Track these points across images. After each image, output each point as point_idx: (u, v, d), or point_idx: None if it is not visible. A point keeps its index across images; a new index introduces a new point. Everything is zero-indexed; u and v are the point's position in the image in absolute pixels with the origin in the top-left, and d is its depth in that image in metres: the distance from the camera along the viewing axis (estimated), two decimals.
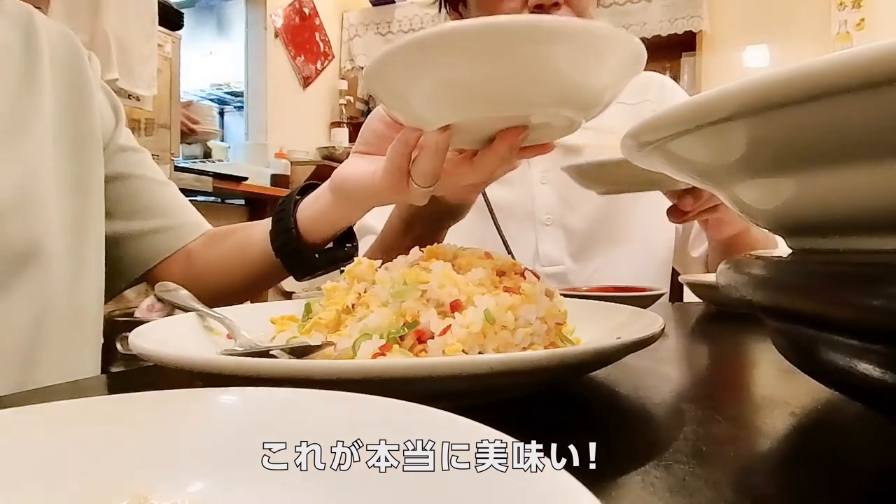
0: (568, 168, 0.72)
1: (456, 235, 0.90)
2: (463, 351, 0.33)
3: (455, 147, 0.47)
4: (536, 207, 0.96)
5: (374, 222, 0.94)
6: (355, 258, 0.43)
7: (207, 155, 2.95)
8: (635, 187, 0.71)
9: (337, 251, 0.63)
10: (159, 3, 2.21)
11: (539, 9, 0.82)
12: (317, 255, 0.61)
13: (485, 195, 0.93)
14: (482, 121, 0.42)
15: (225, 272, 0.69)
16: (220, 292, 0.66)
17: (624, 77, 0.42)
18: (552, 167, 0.95)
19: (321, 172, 3.20)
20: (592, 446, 0.20)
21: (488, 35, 0.36)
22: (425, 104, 0.41)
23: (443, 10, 1.00)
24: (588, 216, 0.96)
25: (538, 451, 0.15)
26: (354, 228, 0.94)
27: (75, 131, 0.64)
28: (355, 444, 0.18)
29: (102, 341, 0.68)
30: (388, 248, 0.73)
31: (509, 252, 0.88)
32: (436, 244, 0.42)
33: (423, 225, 0.68)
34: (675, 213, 0.74)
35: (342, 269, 0.60)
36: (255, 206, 3.09)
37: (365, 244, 0.95)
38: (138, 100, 2.18)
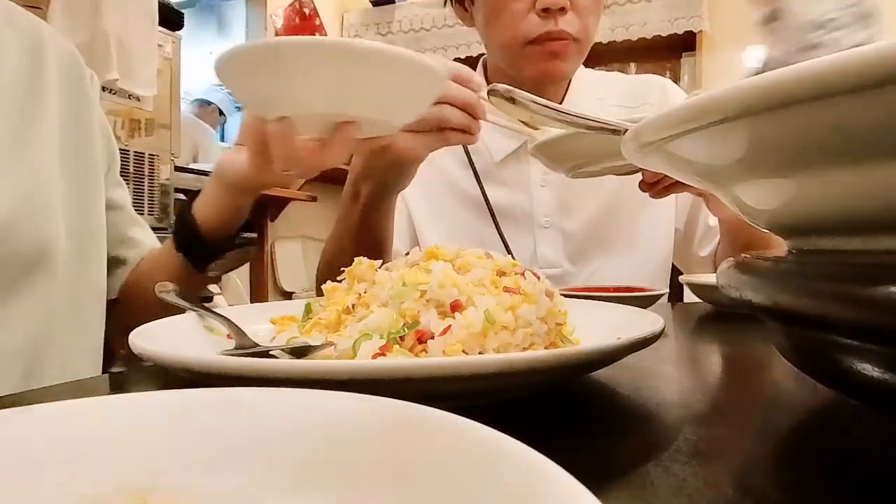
0: (534, 149, 0.72)
1: (456, 236, 0.91)
2: (463, 351, 0.33)
3: (307, 135, 0.53)
4: (535, 210, 0.96)
5: None
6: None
7: None
8: (597, 159, 0.70)
9: (235, 238, 0.67)
10: (159, 3, 2.21)
11: (545, 12, 0.83)
12: (214, 243, 0.65)
13: (485, 196, 0.93)
14: (317, 115, 0.50)
15: (144, 288, 0.71)
16: (146, 309, 0.69)
17: (430, 96, 0.52)
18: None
19: (321, 172, 3.19)
20: (592, 446, 0.20)
21: (322, 53, 0.45)
22: (262, 99, 0.49)
23: (447, 5, 1.01)
24: (586, 219, 0.96)
25: (538, 450, 0.15)
26: None
27: (78, 147, 0.67)
28: (355, 444, 0.18)
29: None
30: (344, 216, 0.80)
31: (509, 253, 0.88)
32: (435, 245, 0.42)
33: (370, 191, 0.75)
34: (643, 186, 0.75)
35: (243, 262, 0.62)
36: (256, 205, 3.08)
37: None
38: (138, 100, 2.17)
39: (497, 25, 0.88)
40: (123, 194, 0.77)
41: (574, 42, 0.87)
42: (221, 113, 3.54)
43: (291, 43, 0.45)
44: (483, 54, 1.02)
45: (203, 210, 0.64)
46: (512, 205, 0.95)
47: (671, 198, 0.96)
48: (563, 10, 0.84)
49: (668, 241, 1.00)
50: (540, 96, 0.50)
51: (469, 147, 0.94)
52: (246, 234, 0.69)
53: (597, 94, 0.99)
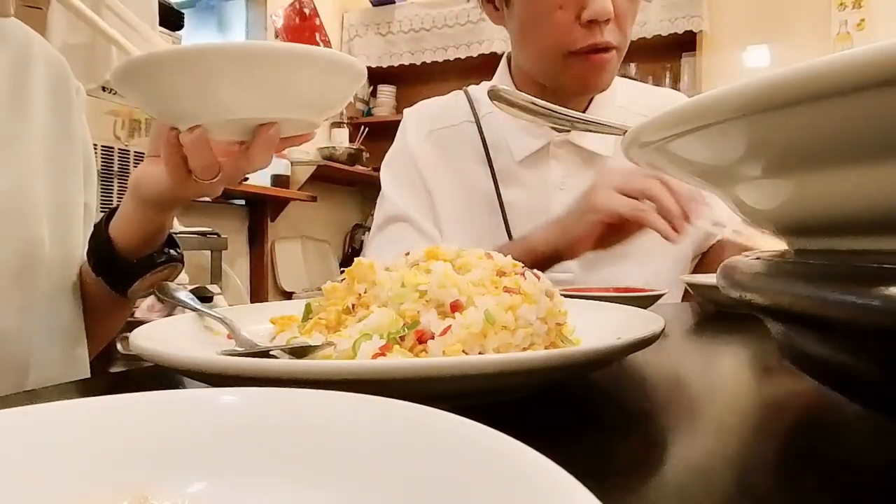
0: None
1: (471, 238, 0.89)
2: (463, 351, 0.33)
3: (223, 139, 0.50)
4: (552, 213, 0.94)
5: (408, 208, 0.93)
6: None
7: None
8: None
9: (156, 256, 0.62)
10: (159, 3, 2.21)
11: (593, 24, 0.83)
12: (135, 262, 0.60)
13: (499, 196, 0.92)
14: (235, 120, 0.47)
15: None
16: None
17: (352, 90, 0.50)
18: (572, 173, 0.94)
19: (321, 172, 3.19)
20: (592, 446, 0.20)
21: (238, 58, 0.43)
22: (173, 108, 0.47)
23: None
24: None
25: (538, 450, 0.15)
26: (384, 215, 0.92)
27: (62, 155, 0.65)
28: (355, 444, 0.18)
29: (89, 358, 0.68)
30: None
31: None
32: (435, 245, 0.42)
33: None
34: None
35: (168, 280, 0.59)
36: (256, 205, 3.09)
37: (396, 231, 0.93)
38: None
39: (537, 32, 0.87)
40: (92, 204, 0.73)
41: (615, 51, 0.86)
42: None
43: (203, 49, 0.43)
44: (494, 53, 1.01)
45: (121, 228, 0.60)
46: (529, 206, 0.94)
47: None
48: (607, 20, 0.84)
49: (685, 259, 0.98)
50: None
51: (490, 145, 0.94)
52: (170, 251, 0.62)
53: (621, 102, 0.98)
